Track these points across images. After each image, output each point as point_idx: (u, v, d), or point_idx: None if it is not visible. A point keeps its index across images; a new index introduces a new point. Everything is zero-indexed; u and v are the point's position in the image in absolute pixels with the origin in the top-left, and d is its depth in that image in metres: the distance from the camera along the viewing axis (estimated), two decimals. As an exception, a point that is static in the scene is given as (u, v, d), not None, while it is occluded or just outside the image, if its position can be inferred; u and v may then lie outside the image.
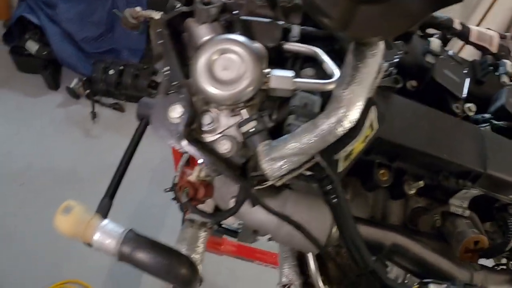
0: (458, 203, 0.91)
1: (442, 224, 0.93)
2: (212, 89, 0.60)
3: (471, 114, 0.93)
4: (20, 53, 3.33)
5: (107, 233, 0.71)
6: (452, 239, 0.91)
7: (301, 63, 0.77)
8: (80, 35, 3.23)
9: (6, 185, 2.84)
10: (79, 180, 2.89)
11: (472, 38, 1.07)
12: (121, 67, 3.07)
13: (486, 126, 0.94)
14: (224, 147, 0.65)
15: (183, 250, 0.87)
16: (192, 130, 0.67)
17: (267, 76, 0.62)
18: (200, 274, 0.80)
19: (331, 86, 0.62)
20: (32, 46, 3.24)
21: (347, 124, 0.56)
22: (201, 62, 0.61)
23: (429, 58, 0.95)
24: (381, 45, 0.61)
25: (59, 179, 2.88)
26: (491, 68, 1.04)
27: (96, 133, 3.14)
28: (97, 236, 0.71)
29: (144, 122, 1.40)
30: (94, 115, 3.07)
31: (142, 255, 0.70)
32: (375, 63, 0.59)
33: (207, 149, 0.66)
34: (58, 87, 3.39)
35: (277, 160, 0.59)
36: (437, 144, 0.81)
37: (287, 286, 0.93)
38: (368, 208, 0.92)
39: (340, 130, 0.56)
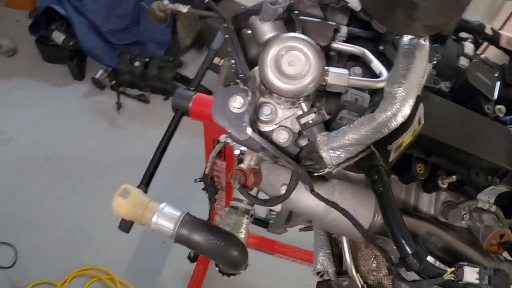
0: (485, 199, 0.96)
1: (470, 217, 0.98)
2: (278, 83, 0.65)
3: (501, 115, 0.97)
4: (46, 43, 3.42)
5: (165, 216, 0.76)
6: (479, 232, 0.95)
7: (345, 61, 0.82)
8: (106, 26, 3.30)
9: (31, 172, 2.94)
10: (103, 169, 2.97)
11: (502, 43, 1.10)
12: (147, 59, 3.18)
13: (502, 107, 0.98)
14: (283, 136, 0.71)
15: (228, 235, 0.92)
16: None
17: (327, 72, 0.68)
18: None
19: (381, 84, 0.68)
20: (58, 37, 3.32)
21: (401, 118, 0.62)
22: (270, 57, 0.66)
23: (463, 61, 1.00)
24: (427, 47, 0.67)
25: (83, 167, 2.97)
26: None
27: (121, 123, 3.21)
28: (155, 219, 0.76)
29: (179, 114, 1.45)
30: (119, 105, 3.14)
31: (198, 237, 0.75)
32: (423, 64, 0.65)
33: (267, 138, 0.72)
34: (83, 78, 3.46)
35: (335, 149, 0.64)
36: (470, 141, 0.86)
37: (321, 273, 0.99)
38: (400, 201, 0.98)
39: (394, 124, 0.62)
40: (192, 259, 1.93)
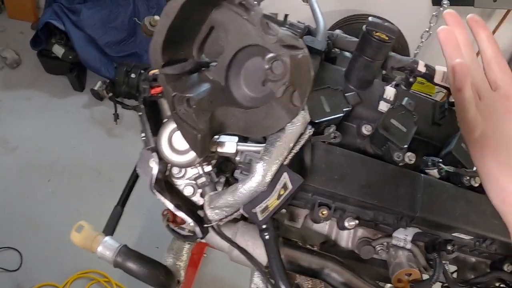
0: (402, 236, 1.03)
1: (388, 253, 1.05)
2: (170, 156, 0.80)
3: (410, 162, 1.00)
4: (47, 56, 3.59)
5: (107, 247, 0.92)
6: (390, 268, 1.03)
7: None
8: (103, 39, 3.45)
9: (35, 179, 3.11)
10: (102, 175, 3.14)
11: (437, 79, 1.10)
12: (142, 71, 3.30)
13: (434, 169, 1.02)
14: (187, 191, 0.87)
15: (170, 258, 1.07)
16: (166, 176, 0.87)
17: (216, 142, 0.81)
18: (179, 278, 1.01)
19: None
20: (58, 50, 3.48)
21: (260, 187, 0.75)
22: (163, 136, 0.80)
23: (383, 106, 1.05)
24: (303, 117, 0.75)
25: (83, 174, 3.15)
26: (452, 108, 1.08)
27: (118, 132, 3.39)
28: (99, 249, 0.92)
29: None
30: (116, 116, 3.26)
31: (130, 264, 0.92)
32: (291, 136, 0.75)
33: (176, 190, 0.87)
34: (83, 89, 3.64)
35: (214, 208, 0.79)
36: (371, 190, 0.92)
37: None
38: (323, 234, 1.09)
39: (254, 193, 0.75)
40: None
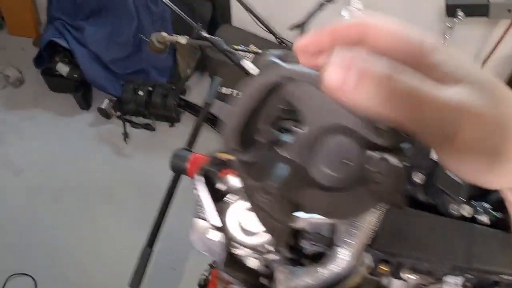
0: (453, 281, 1.01)
1: None
2: (242, 238, 0.75)
3: (468, 216, 1.01)
4: (51, 74, 3.52)
5: None
6: None
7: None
8: (108, 56, 3.38)
9: (44, 202, 3.04)
10: (112, 197, 3.07)
11: None
12: (150, 88, 3.27)
13: (484, 216, 1.02)
14: (252, 263, 0.81)
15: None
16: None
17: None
18: None
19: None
20: (63, 69, 3.41)
21: (346, 271, 0.70)
22: (232, 218, 0.75)
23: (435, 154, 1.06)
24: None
25: (94, 196, 3.07)
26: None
27: (128, 152, 3.31)
28: None
29: (178, 175, 1.54)
30: (126, 135, 3.23)
31: None
32: (375, 216, 0.72)
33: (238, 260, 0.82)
34: (89, 107, 3.56)
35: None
36: (427, 246, 0.93)
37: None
38: (376, 284, 1.07)
39: (338, 276, 0.71)
40: (202, 286, 2.03)
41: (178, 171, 1.53)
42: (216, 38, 2.85)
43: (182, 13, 2.78)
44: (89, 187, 3.12)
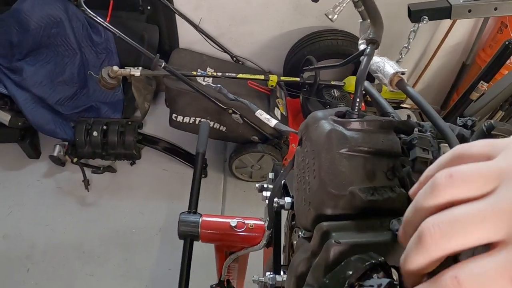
0: None
1: None
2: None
3: None
4: (-8, 124, 3.17)
5: None
6: None
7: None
8: (53, 97, 3.09)
9: (12, 272, 2.69)
10: (87, 254, 2.79)
11: None
12: (104, 126, 3.03)
13: None
14: None
15: None
16: None
17: None
18: None
19: None
20: (4, 117, 3.06)
21: None
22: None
23: None
24: None
25: (66, 257, 2.77)
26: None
27: (92, 200, 3.03)
28: None
29: (189, 241, 1.37)
30: (87, 183, 2.97)
31: None
32: None
33: None
34: (39, 155, 3.24)
35: None
36: None
37: None
38: None
39: None
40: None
41: (189, 238, 1.36)
42: (174, 70, 2.67)
43: (134, 43, 2.58)
44: (59, 248, 2.80)
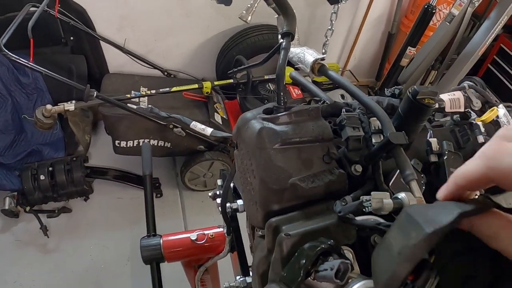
0: None
1: None
2: None
3: None
4: None
5: None
6: None
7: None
8: (-9, 150, 3.01)
9: None
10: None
11: (447, 109, 1.08)
12: (50, 168, 2.96)
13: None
14: None
15: None
16: None
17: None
18: None
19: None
20: None
21: None
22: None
23: (433, 158, 0.98)
24: None
25: None
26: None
27: (54, 245, 2.93)
28: None
29: (155, 265, 1.36)
30: (45, 229, 2.89)
31: None
32: None
33: None
34: (-10, 212, 3.14)
35: None
36: None
37: None
38: None
39: None
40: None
41: (154, 261, 1.36)
42: (107, 97, 2.63)
43: (62, 78, 2.54)
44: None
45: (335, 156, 0.78)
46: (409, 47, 3.44)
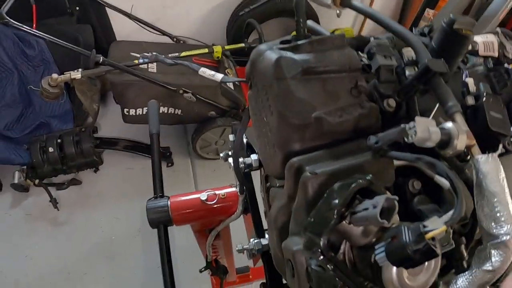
0: None
1: None
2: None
3: None
4: None
5: None
6: None
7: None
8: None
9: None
10: (72, 272, 2.67)
11: (481, 52, 0.98)
12: (59, 140, 2.87)
13: None
14: None
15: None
16: None
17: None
18: None
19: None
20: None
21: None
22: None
23: (470, 101, 0.89)
24: None
25: (53, 281, 2.64)
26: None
27: (64, 218, 2.88)
28: None
29: (162, 228, 1.28)
30: (55, 202, 2.82)
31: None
32: None
33: None
34: (1, 188, 3.05)
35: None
36: None
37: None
38: None
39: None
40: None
41: (161, 224, 1.27)
42: (114, 62, 2.54)
43: (66, 43, 2.45)
44: (44, 276, 2.66)
45: (365, 90, 0.67)
46: (427, 9, 3.30)
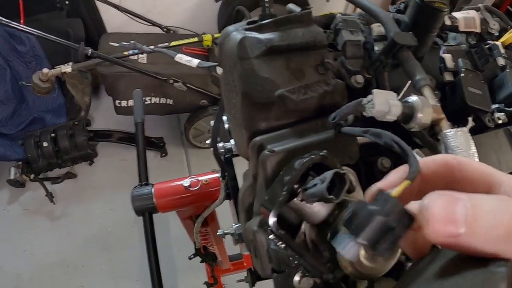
0: None
1: None
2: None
3: (500, 122, 0.86)
4: None
5: None
6: None
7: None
8: (-8, 121, 2.93)
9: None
10: (71, 265, 2.69)
11: (461, 27, 0.97)
12: (53, 134, 2.87)
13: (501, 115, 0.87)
14: None
15: None
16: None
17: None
18: None
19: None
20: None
21: None
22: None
23: (448, 77, 0.88)
24: None
25: (52, 275, 2.66)
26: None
27: (61, 211, 2.90)
28: None
29: (147, 216, 1.28)
30: (51, 196, 2.83)
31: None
32: None
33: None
34: (-3, 184, 3.08)
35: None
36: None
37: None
38: None
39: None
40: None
41: (146, 212, 1.26)
42: (103, 54, 2.53)
43: (55, 37, 2.45)
44: (44, 270, 2.68)
45: (332, 67, 0.66)
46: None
